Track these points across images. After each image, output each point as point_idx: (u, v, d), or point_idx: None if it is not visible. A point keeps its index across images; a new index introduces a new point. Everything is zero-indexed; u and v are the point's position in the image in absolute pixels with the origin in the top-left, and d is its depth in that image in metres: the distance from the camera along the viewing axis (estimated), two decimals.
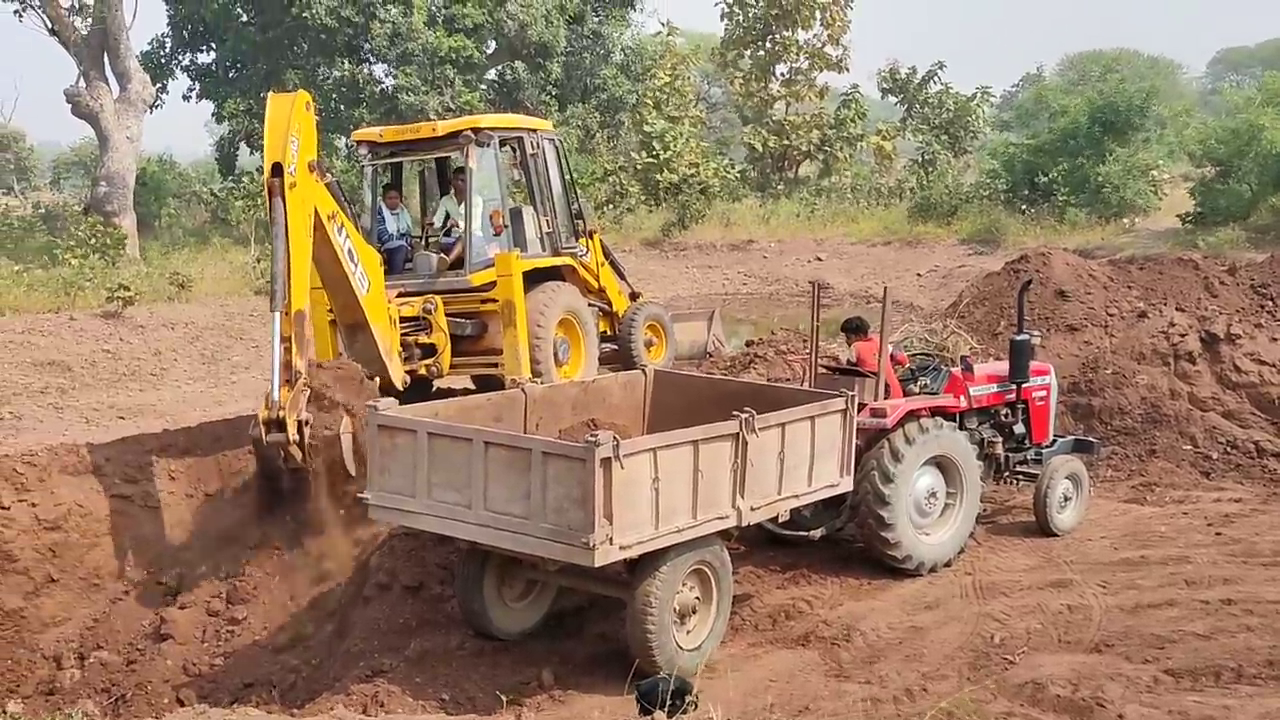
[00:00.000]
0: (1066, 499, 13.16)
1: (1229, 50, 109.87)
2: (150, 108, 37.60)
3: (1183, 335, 16.83)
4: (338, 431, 11.56)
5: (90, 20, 35.72)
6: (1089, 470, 13.86)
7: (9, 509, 12.21)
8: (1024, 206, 38.93)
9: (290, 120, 11.59)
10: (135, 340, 23.90)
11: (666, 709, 7.17)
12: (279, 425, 11.16)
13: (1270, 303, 18.08)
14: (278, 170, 11.43)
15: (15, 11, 35.97)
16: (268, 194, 11.57)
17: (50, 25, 35.97)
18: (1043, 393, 13.76)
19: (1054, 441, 13.87)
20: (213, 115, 45.00)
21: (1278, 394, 16.16)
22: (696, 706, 7.28)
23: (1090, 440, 14.44)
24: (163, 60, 42.78)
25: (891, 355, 12.80)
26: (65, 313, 25.26)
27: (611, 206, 42.11)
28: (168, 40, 42.92)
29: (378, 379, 12.87)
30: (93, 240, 31.04)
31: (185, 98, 43.96)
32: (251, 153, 44.41)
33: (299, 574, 11.95)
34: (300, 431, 11.28)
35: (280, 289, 11.30)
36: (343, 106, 40.03)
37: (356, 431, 11.57)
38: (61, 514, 12.36)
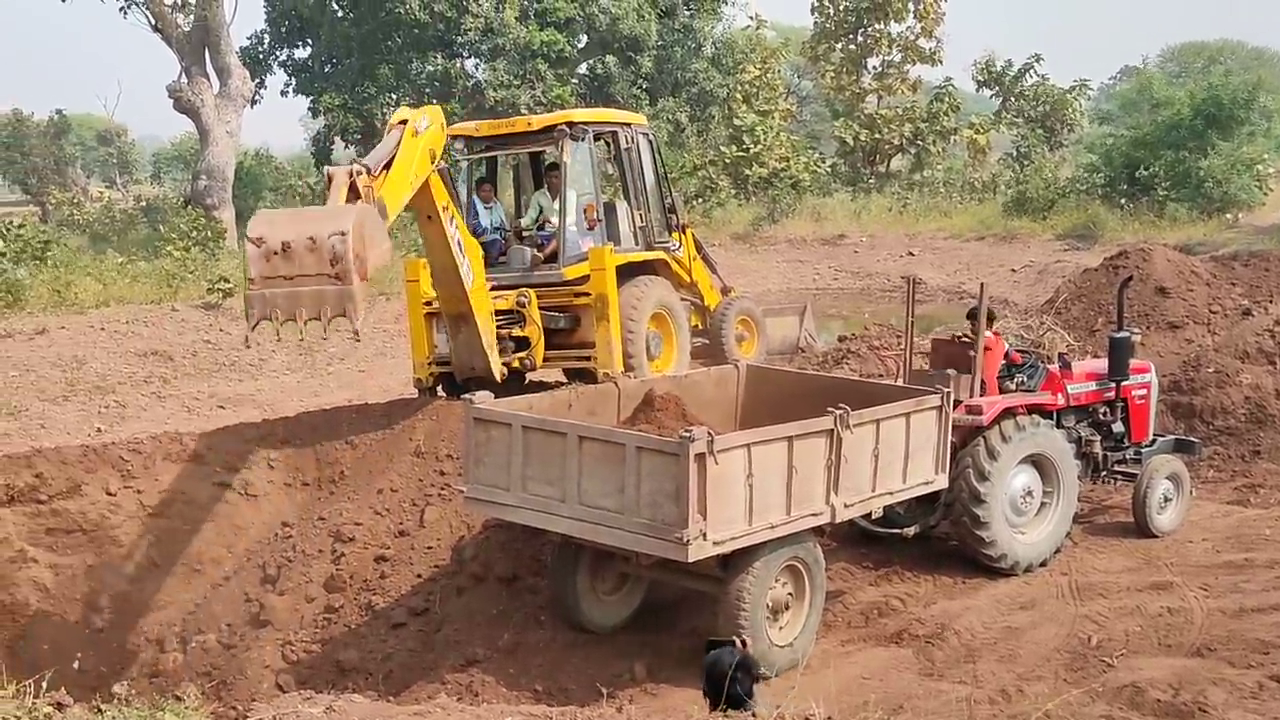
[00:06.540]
0: (1167, 500, 12.89)
1: None
2: (249, 103, 38.35)
3: None
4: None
5: (192, 17, 36.45)
6: (1190, 471, 13.57)
7: (115, 495, 12.55)
8: (1123, 201, 38.08)
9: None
10: (235, 331, 24.29)
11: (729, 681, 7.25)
12: None
13: None
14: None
15: (120, 9, 36.84)
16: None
17: (153, 22, 36.79)
18: (1143, 391, 13.49)
19: (1154, 441, 13.60)
20: (308, 110, 45.80)
21: None
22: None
23: (1191, 440, 14.13)
24: (261, 55, 43.76)
25: (1006, 352, 12.67)
26: (168, 304, 25.83)
27: (701, 200, 42.05)
28: (266, 36, 43.93)
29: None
30: (193, 233, 31.71)
31: (282, 93, 45.03)
32: (346, 147, 45.02)
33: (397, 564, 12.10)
34: None
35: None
36: (434, 100, 40.38)
37: None
38: (165, 501, 12.66)
